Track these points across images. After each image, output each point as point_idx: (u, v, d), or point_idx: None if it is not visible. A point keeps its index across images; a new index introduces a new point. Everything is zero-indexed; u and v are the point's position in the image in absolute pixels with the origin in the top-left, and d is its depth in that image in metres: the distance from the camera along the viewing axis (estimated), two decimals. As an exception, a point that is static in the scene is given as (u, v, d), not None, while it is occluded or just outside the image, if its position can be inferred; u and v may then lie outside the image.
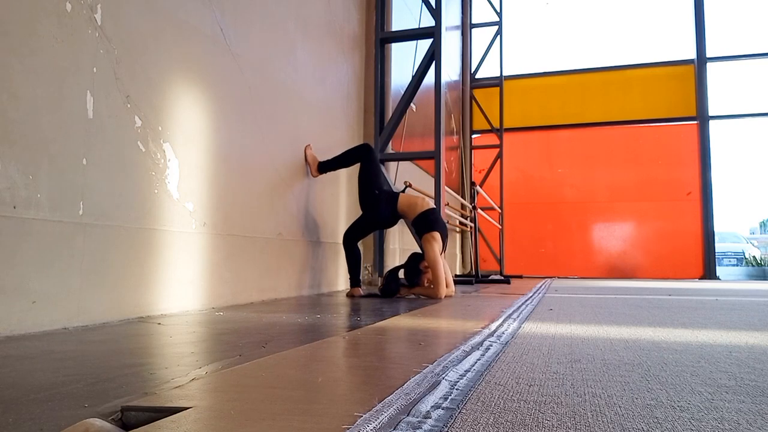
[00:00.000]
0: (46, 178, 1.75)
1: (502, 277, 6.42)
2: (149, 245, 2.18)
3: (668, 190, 8.27)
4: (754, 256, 12.17)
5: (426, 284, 3.39)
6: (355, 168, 4.49)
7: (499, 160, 8.64)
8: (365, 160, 3.64)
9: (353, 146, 3.75)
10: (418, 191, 5.37)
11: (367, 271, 4.63)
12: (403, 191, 4.69)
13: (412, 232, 3.95)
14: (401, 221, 3.73)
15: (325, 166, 3.65)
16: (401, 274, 3.45)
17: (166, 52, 2.31)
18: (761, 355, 1.36)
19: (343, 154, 3.68)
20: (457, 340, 1.52)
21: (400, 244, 5.36)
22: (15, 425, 0.79)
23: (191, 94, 2.47)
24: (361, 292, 3.53)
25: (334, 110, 4.17)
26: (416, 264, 3.40)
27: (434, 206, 3.52)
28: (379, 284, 3.56)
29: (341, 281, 4.16)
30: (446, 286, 3.41)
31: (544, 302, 3.08)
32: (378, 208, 3.55)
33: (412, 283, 3.42)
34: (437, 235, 3.33)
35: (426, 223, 3.39)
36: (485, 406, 0.86)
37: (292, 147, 3.45)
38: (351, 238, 3.57)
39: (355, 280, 3.54)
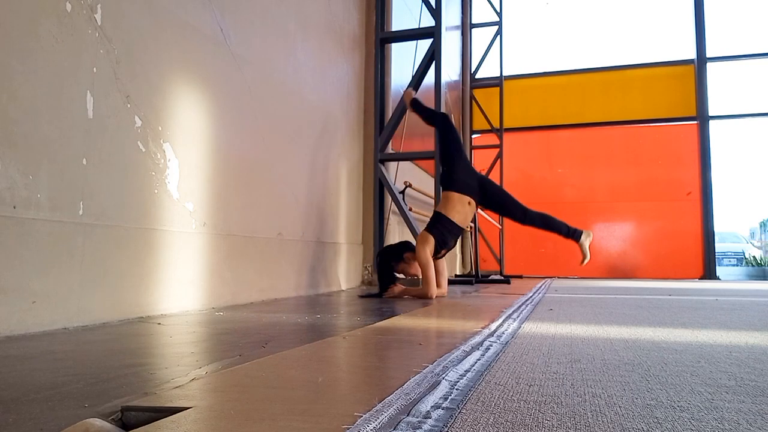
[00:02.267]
0: (46, 178, 1.75)
1: (502, 277, 6.42)
2: (149, 245, 2.18)
3: (668, 190, 8.27)
4: (754, 256, 12.17)
5: (410, 273, 3.47)
6: (357, 164, 4.49)
7: (499, 160, 8.64)
8: (441, 129, 3.66)
9: (436, 110, 3.80)
10: (417, 191, 5.38)
11: (367, 271, 4.63)
12: (403, 192, 4.70)
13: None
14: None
15: (416, 105, 3.75)
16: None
17: (166, 52, 2.31)
18: (761, 355, 1.36)
19: (429, 109, 3.75)
20: (457, 340, 1.52)
21: (400, 244, 5.35)
22: (15, 425, 0.79)
23: (191, 94, 2.47)
24: None
25: (334, 110, 4.17)
26: (402, 250, 3.46)
27: (446, 215, 3.38)
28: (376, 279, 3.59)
29: (341, 281, 4.16)
30: (438, 287, 3.41)
31: (544, 302, 3.08)
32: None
33: (390, 267, 3.46)
34: (430, 238, 3.30)
35: (429, 222, 3.41)
36: (485, 406, 0.86)
37: (292, 146, 3.45)
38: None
39: None
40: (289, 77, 3.43)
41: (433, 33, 4.52)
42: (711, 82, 8.13)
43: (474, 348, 1.40)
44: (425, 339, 1.58)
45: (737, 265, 12.29)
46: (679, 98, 8.30)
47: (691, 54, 8.28)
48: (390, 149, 4.74)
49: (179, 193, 2.37)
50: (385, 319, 2.10)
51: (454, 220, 3.37)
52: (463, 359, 1.23)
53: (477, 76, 9.28)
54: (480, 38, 9.38)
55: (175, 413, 0.79)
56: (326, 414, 0.79)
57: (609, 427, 0.76)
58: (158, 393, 0.94)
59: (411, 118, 5.45)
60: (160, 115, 2.26)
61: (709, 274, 7.94)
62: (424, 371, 1.09)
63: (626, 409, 0.85)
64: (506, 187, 8.58)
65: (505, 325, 1.93)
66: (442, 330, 1.81)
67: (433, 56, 4.46)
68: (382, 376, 1.07)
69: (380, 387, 0.96)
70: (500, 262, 8.51)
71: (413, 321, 2.05)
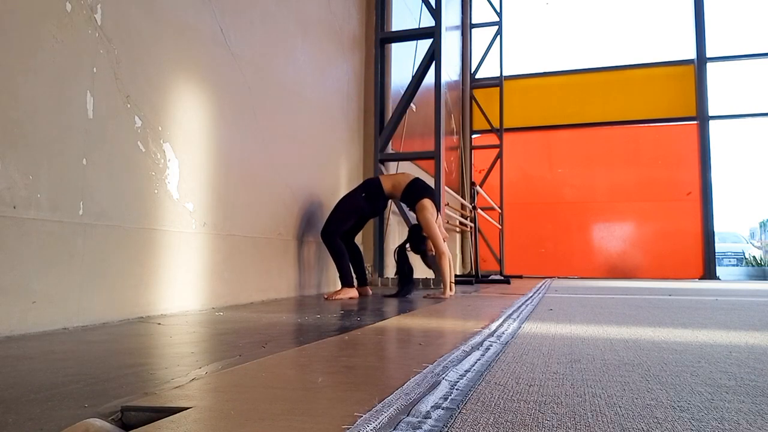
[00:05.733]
0: (46, 178, 1.75)
1: (502, 277, 6.42)
2: (149, 245, 2.18)
3: (668, 190, 8.27)
4: (754, 256, 12.17)
5: (430, 252, 3.50)
6: (357, 164, 4.49)
7: (499, 160, 8.64)
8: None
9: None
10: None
11: (367, 271, 4.63)
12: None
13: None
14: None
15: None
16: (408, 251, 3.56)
17: (166, 52, 2.31)
18: (761, 355, 1.36)
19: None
20: (457, 340, 1.52)
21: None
22: (15, 425, 0.79)
23: (191, 94, 2.47)
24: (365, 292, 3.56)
25: (334, 110, 4.17)
26: (419, 233, 3.49)
27: (416, 176, 3.55)
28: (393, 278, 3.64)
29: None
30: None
31: (544, 302, 3.08)
32: (365, 206, 3.55)
33: (418, 250, 3.52)
34: (428, 202, 3.40)
35: (415, 194, 3.44)
36: (485, 406, 0.86)
37: (291, 147, 3.45)
38: (333, 231, 3.50)
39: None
40: (289, 77, 3.43)
41: (433, 33, 4.52)
42: (711, 82, 8.14)
43: (474, 348, 1.40)
44: (425, 339, 1.58)
45: (737, 265, 12.29)
46: (679, 98, 8.31)
47: (691, 54, 8.28)
48: (390, 149, 4.74)
49: (179, 193, 2.37)
50: (385, 319, 2.10)
51: (414, 175, 3.57)
52: (463, 359, 1.23)
53: (477, 76, 9.28)
54: (480, 38, 9.38)
55: (175, 413, 0.79)
56: (326, 414, 0.79)
57: (609, 427, 0.76)
58: (158, 393, 0.94)
59: (411, 118, 5.46)
60: (160, 115, 2.26)
61: (709, 274, 7.94)
62: (424, 371, 1.09)
63: (626, 409, 0.85)
64: (506, 187, 8.61)
65: (505, 325, 1.93)
66: (442, 330, 1.80)
67: (433, 56, 4.46)
68: (382, 376, 1.07)
69: (380, 387, 0.96)
70: (500, 262, 8.50)
71: (413, 321, 2.05)
